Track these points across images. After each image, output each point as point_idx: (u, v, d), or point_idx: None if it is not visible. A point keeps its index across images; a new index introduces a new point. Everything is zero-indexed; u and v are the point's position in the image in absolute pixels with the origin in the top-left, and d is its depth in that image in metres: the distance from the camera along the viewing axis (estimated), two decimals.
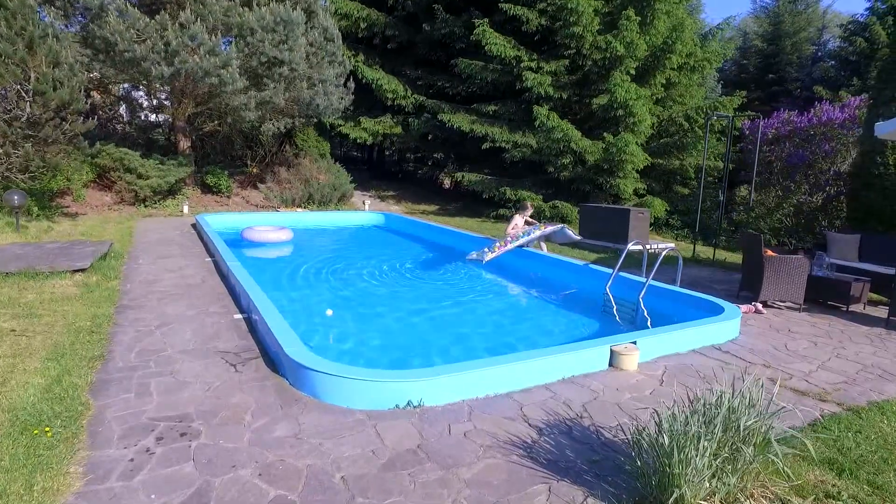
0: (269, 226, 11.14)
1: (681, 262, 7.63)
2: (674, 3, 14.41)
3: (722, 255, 11.57)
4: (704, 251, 12.07)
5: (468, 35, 16.73)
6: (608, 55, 13.69)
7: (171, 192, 14.10)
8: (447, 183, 22.25)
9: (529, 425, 3.47)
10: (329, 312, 5.85)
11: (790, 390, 4.27)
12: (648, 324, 6.62)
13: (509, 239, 9.44)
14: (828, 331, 6.04)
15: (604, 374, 4.37)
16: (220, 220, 11.92)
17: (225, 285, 6.65)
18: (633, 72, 14.15)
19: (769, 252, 6.92)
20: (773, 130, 14.36)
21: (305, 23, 12.81)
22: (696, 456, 2.41)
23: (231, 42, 11.94)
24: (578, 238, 10.46)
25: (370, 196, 18.72)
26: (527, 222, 10.06)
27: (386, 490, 2.72)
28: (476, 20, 15.18)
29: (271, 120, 14.17)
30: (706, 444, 2.41)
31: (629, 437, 3.15)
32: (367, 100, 18.37)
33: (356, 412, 3.49)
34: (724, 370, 4.63)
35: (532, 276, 8.98)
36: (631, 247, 10.16)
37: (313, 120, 15.37)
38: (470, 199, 19.29)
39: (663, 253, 6.97)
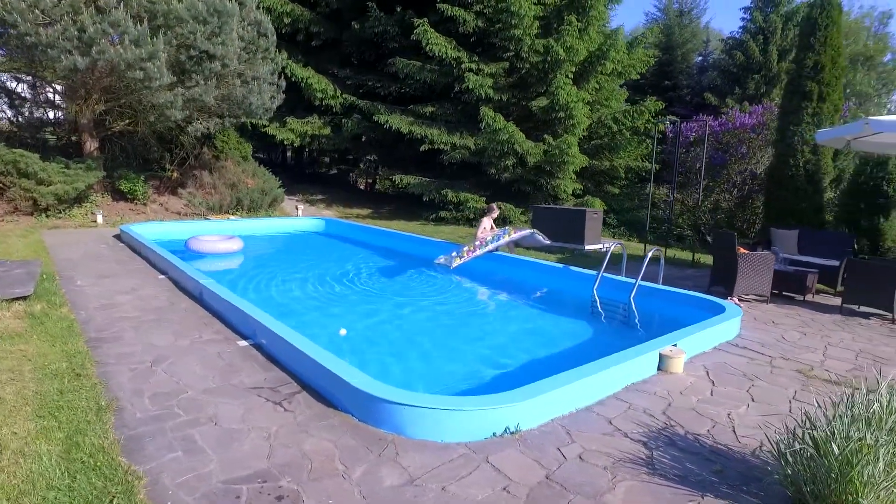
0: (215, 235, 10.11)
1: (662, 261, 7.94)
2: (604, 8, 15.14)
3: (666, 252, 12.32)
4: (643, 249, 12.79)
5: (402, 34, 16.41)
6: (549, 59, 14.04)
7: (78, 199, 12.34)
8: (377, 185, 21.69)
9: (631, 440, 3.36)
10: (343, 332, 5.34)
11: (820, 381, 4.55)
12: (637, 323, 6.84)
13: (478, 243, 9.31)
14: (803, 321, 6.58)
15: (657, 379, 4.38)
16: (151, 231, 10.61)
17: (203, 307, 5.86)
18: (570, 76, 14.65)
19: (741, 249, 7.42)
20: (694, 134, 15.58)
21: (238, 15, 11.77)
22: (873, 464, 2.42)
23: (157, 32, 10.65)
24: (548, 242, 10.60)
25: (298, 200, 17.74)
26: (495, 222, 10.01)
27: None
28: (415, 20, 14.90)
29: (199, 120, 12.87)
30: (883, 450, 2.42)
31: (736, 441, 3.14)
32: (291, 99, 17.35)
33: (455, 446, 3.17)
34: (752, 364, 4.84)
35: (503, 280, 8.92)
36: (588, 247, 10.49)
37: (240, 120, 14.21)
38: (402, 201, 18.97)
39: (650, 254, 7.21)
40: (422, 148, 15.70)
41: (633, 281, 7.06)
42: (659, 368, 4.53)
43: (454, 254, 8.98)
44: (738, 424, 3.63)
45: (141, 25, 10.05)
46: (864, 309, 7.13)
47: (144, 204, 13.74)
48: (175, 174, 14.58)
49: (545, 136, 14.79)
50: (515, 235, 9.20)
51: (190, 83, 11.67)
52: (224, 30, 11.12)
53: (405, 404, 3.24)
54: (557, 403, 3.60)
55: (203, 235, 10.05)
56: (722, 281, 7.67)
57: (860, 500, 2.42)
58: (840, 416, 2.70)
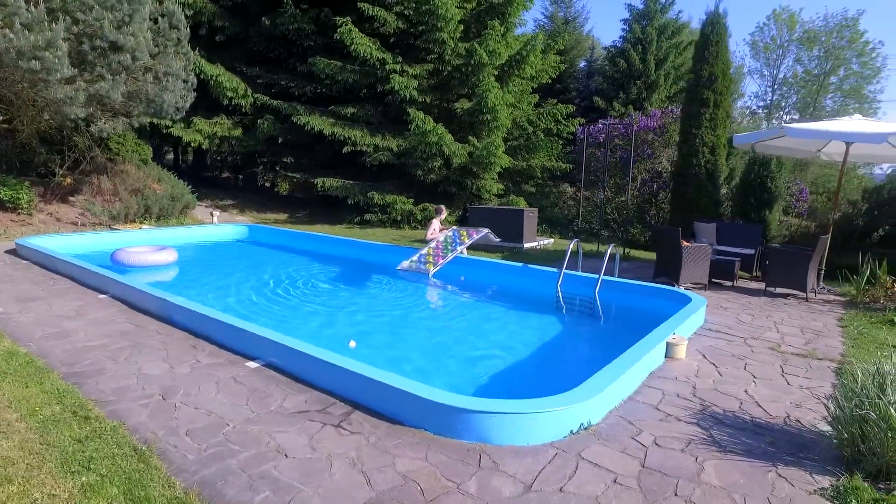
0: (145, 246, 9.10)
1: (618, 256, 8.53)
2: (520, 15, 15.82)
3: (587, 247, 13.19)
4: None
5: (318, 33, 15.87)
6: (473, 62, 14.36)
7: None
8: (278, 188, 20.60)
9: (685, 422, 3.64)
10: (352, 344, 5.10)
11: (791, 355, 5.22)
12: (600, 315, 7.32)
13: (433, 245, 9.33)
14: (742, 304, 7.43)
15: (667, 366, 4.75)
16: (57, 245, 9.27)
17: (180, 328, 5.28)
18: (492, 78, 15.12)
19: (685, 242, 8.21)
20: (603, 136, 16.82)
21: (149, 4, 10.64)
22: None
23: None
24: (499, 241, 10.88)
25: (207, 206, 16.44)
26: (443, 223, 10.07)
27: None
28: (337, 18, 14.46)
29: (102, 119, 11.42)
30: None
31: (778, 413, 3.55)
32: (196, 98, 15.99)
33: (544, 448, 3.22)
34: (733, 346, 5.42)
35: (467, 282, 9.02)
36: (526, 245, 10.89)
37: (148, 120, 12.87)
38: (317, 205, 18.34)
39: (609, 250, 7.72)
40: (344, 150, 15.30)
41: (591, 275, 7.54)
42: (665, 356, 4.91)
43: (416, 260, 8.92)
44: (760, 400, 4.07)
45: (35, 8, 8.73)
46: (781, 290, 8.24)
47: (30, 214, 11.91)
48: (69, 180, 12.81)
49: (469, 137, 15.12)
50: (476, 236, 9.36)
51: (92, 77, 10.34)
52: (135, 18, 10.00)
53: (490, 412, 3.23)
54: (612, 397, 3.78)
55: (131, 247, 9.02)
56: (666, 272, 8.42)
57: None
58: (887, 384, 3.14)
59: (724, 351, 5.23)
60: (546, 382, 4.74)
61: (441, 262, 8.63)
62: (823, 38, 38.14)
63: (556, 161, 17.68)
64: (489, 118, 14.52)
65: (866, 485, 2.89)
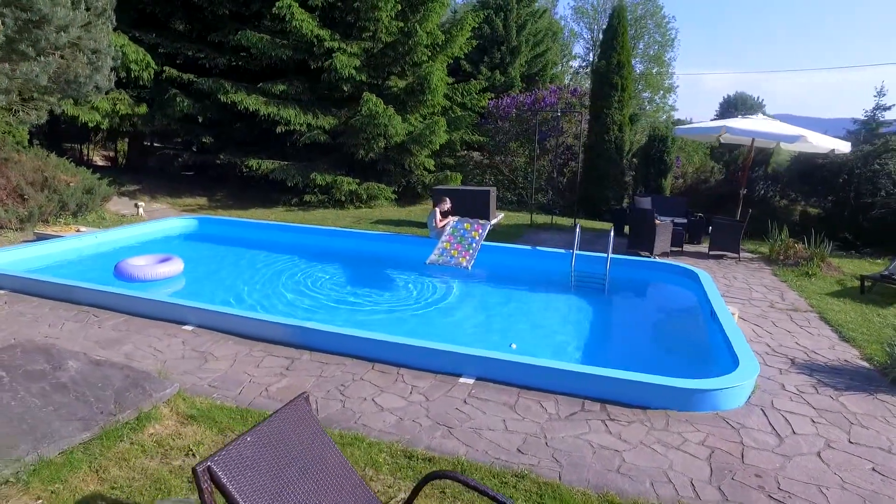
0: (145, 256, 8.36)
1: (612, 234, 10.19)
2: None
3: (538, 219, 14.93)
4: (524, 217, 15.27)
5: (240, 2, 14.58)
6: (411, 41, 14.59)
7: None
8: (182, 166, 18.69)
9: (795, 373, 5.39)
10: (513, 346, 5.96)
11: (790, 311, 7.40)
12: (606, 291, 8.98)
13: (446, 238, 9.81)
14: (706, 268, 9.67)
15: None
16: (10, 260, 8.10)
17: (366, 359, 5.58)
18: (426, 57, 15.52)
19: (658, 221, 10.21)
20: (515, 110, 18.41)
21: None
22: None
23: None
24: (491, 226, 11.85)
25: (117, 195, 14.47)
26: (443, 214, 10.69)
27: None
28: None
29: (25, 107, 9.52)
30: None
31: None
32: None
33: (749, 406, 4.67)
34: (741, 307, 7.45)
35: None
36: (492, 221, 12.17)
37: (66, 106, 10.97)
38: (235, 186, 17.21)
39: (577, 230, 9.36)
40: (277, 130, 14.63)
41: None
42: None
43: (439, 253, 9.45)
44: (811, 349, 6.03)
45: None
46: (717, 252, 10.77)
47: None
48: None
49: (407, 115, 15.53)
50: (482, 231, 10.01)
51: (17, 57, 8.67)
52: None
53: (717, 389, 4.56)
54: (751, 366, 5.37)
55: (131, 259, 8.25)
56: (640, 244, 10.40)
57: None
58: None
59: (748, 313, 7.22)
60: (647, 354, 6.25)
61: (469, 254, 9.40)
62: (631, 8, 44.51)
63: (472, 134, 18.88)
64: (428, 97, 15.07)
65: None
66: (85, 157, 20.44)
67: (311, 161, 15.85)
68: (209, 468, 2.12)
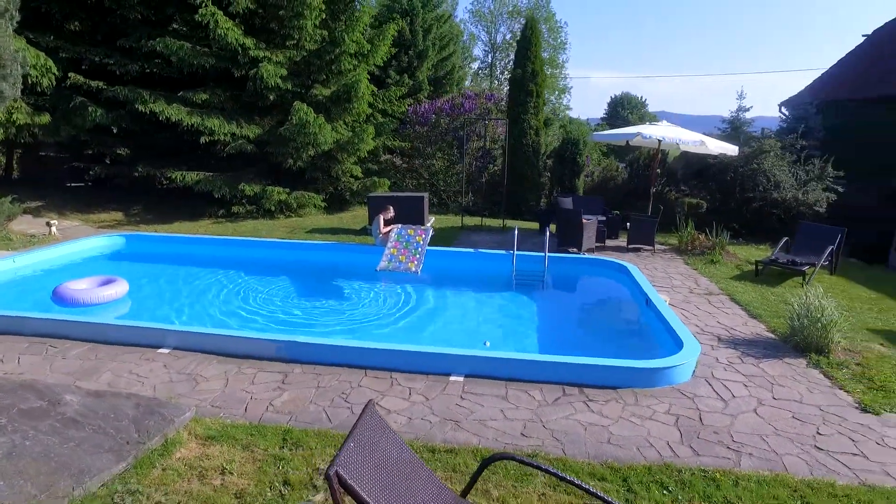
0: (86, 279, 7.93)
1: (548, 233, 11.08)
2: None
3: (469, 221, 15.62)
4: (453, 220, 15.89)
5: (144, 3, 13.82)
6: (337, 49, 14.66)
7: None
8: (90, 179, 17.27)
9: (723, 348, 6.46)
10: (487, 344, 6.50)
11: (706, 294, 8.65)
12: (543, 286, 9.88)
13: (392, 244, 10.22)
14: (629, 260, 10.89)
15: None
16: None
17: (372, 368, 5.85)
18: (351, 66, 15.64)
19: (584, 220, 11.26)
20: (434, 115, 19.02)
21: None
22: (833, 327, 6.20)
23: None
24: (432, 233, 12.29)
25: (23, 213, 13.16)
26: (386, 222, 11.04)
27: None
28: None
29: None
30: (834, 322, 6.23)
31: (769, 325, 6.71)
32: None
33: (696, 380, 5.61)
34: (672, 293, 8.60)
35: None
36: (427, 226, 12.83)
37: None
38: (154, 200, 16.24)
39: (515, 231, 10.24)
40: (202, 140, 14.10)
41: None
42: None
43: (387, 259, 9.85)
44: (730, 326, 7.20)
45: None
46: (635, 246, 12.08)
47: None
48: None
49: (333, 123, 15.59)
50: (426, 236, 10.54)
51: None
52: None
53: (670, 367, 5.45)
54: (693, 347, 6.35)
55: (71, 282, 7.81)
56: (569, 242, 11.41)
57: (830, 338, 6.20)
58: (811, 306, 6.42)
59: (675, 298, 8.36)
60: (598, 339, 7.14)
61: (416, 259, 9.86)
62: (525, 11, 47.44)
63: (393, 140, 19.25)
64: (355, 105, 15.24)
65: (815, 354, 6.15)
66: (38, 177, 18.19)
67: (236, 171, 15.43)
68: (337, 473, 2.46)
